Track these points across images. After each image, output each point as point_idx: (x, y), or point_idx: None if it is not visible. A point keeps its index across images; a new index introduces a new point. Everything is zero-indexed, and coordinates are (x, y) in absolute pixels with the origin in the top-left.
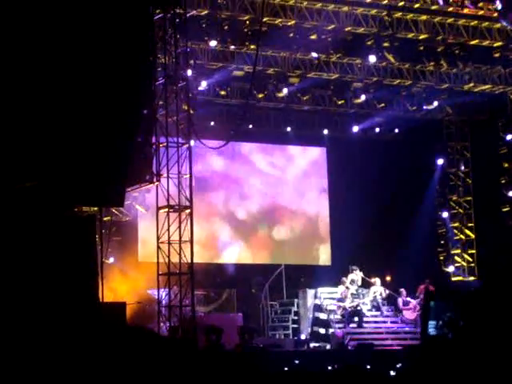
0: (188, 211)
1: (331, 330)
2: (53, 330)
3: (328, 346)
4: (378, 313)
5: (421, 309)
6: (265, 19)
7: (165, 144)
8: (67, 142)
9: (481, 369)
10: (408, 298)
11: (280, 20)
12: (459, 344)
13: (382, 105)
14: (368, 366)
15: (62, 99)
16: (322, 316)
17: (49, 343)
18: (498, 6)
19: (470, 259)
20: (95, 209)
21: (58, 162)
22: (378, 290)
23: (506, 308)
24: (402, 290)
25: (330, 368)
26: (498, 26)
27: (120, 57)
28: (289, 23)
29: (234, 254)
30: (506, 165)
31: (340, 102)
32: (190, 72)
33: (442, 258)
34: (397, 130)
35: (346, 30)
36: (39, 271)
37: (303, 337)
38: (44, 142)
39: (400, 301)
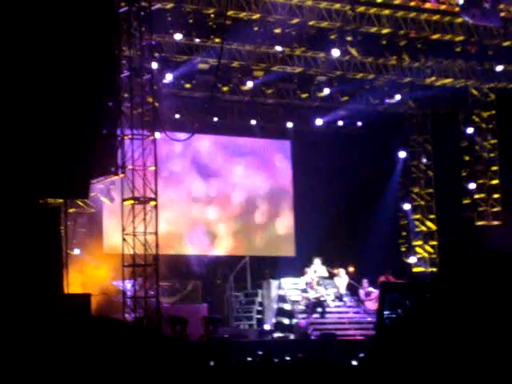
0: (153, 203)
1: (295, 321)
2: (16, 321)
3: (292, 336)
4: (341, 303)
5: None
6: (229, 13)
7: (130, 136)
8: (32, 133)
9: (436, 353)
10: (370, 289)
11: (244, 14)
12: (411, 325)
13: (346, 98)
14: (331, 356)
15: (26, 91)
16: (286, 307)
17: (11, 334)
18: (460, 0)
19: (432, 250)
20: (60, 201)
21: (22, 154)
22: (341, 280)
23: (458, 300)
24: (364, 280)
25: (291, 359)
26: (460, 20)
27: (85, 49)
28: (253, 17)
29: (199, 245)
30: (467, 158)
31: (304, 96)
32: (155, 65)
33: (403, 249)
34: (360, 123)
35: (310, 23)
36: (3, 262)
37: (267, 327)
38: (8, 135)
39: (362, 291)
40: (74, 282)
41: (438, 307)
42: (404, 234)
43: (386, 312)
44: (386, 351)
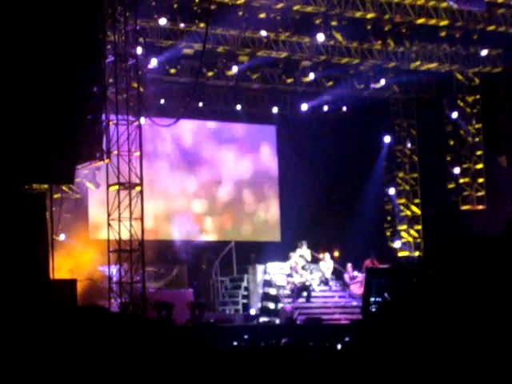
0: (138, 189)
1: (280, 305)
2: (3, 305)
3: (277, 321)
4: (327, 288)
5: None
6: None
7: (115, 122)
8: (16, 120)
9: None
10: (355, 273)
11: None
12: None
13: (331, 83)
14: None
15: (10, 77)
16: (272, 291)
17: None
18: None
19: (416, 235)
20: (45, 186)
21: (7, 140)
22: (326, 265)
23: (445, 285)
24: (349, 264)
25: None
26: (445, 4)
27: (69, 34)
28: (238, 1)
29: (185, 231)
30: (452, 142)
31: (289, 81)
32: (139, 50)
33: (388, 233)
34: (345, 108)
35: (295, 8)
36: None
37: (253, 312)
38: None
39: (347, 276)
40: (60, 268)
41: (425, 292)
42: (389, 218)
43: (371, 297)
44: (373, 336)
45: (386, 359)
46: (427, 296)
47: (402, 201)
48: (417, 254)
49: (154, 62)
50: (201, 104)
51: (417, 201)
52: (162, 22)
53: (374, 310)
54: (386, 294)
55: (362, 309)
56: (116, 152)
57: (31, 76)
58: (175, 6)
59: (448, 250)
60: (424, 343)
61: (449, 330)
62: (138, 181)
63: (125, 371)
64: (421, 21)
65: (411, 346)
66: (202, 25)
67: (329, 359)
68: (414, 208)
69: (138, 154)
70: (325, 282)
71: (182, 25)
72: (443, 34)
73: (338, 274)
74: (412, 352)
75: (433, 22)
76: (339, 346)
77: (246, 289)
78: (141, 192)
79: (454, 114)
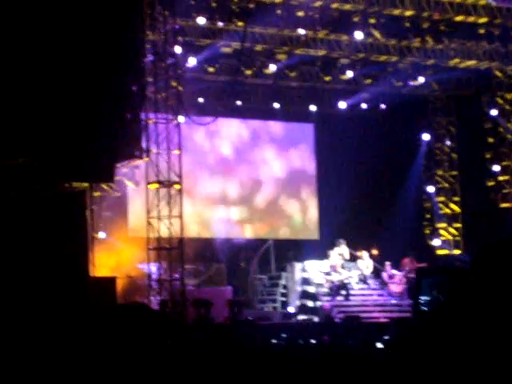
0: (177, 187)
1: (319, 303)
2: (44, 304)
3: (316, 319)
4: (365, 286)
5: (407, 282)
6: None
7: (154, 120)
8: (58, 119)
9: (472, 343)
10: (393, 271)
11: None
12: (451, 312)
13: (369, 81)
14: (354, 339)
15: (53, 77)
16: (310, 289)
17: (40, 316)
18: None
19: (456, 233)
20: (85, 184)
21: (49, 139)
22: (364, 263)
23: (496, 287)
24: (387, 263)
25: (315, 341)
26: (483, 2)
27: (109, 34)
28: (276, 0)
29: (224, 228)
30: (491, 140)
31: (327, 79)
32: (178, 49)
33: (427, 231)
34: (383, 106)
35: (333, 6)
36: (30, 246)
37: (291, 310)
38: (35, 120)
39: (385, 274)
40: (100, 266)
41: (481, 292)
42: (428, 216)
43: (422, 296)
44: (428, 336)
45: (440, 359)
46: (483, 296)
47: (442, 199)
48: (456, 252)
49: (192, 61)
50: (239, 102)
51: (456, 199)
52: (201, 21)
53: (424, 308)
54: (437, 294)
55: (412, 307)
56: (155, 150)
57: (72, 76)
58: (214, 4)
59: (501, 249)
60: (480, 344)
61: (505, 332)
62: (177, 179)
63: (167, 368)
64: (459, 18)
65: (467, 347)
66: (240, 23)
67: (368, 357)
68: (454, 206)
69: (177, 152)
70: (363, 280)
71: (220, 24)
72: (482, 31)
73: (376, 273)
74: (468, 353)
75: (471, 19)
76: (379, 345)
77: (285, 287)
78: (180, 190)
79: (494, 112)
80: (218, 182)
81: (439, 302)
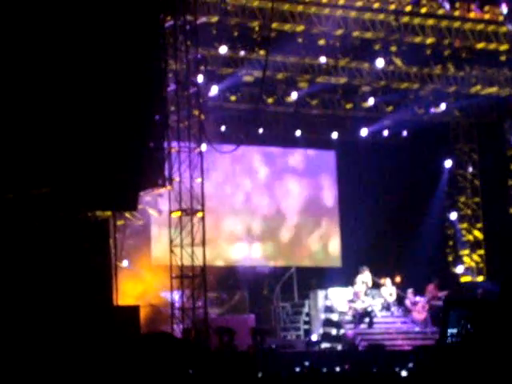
0: (200, 215)
1: (342, 331)
2: (68, 333)
3: (339, 347)
4: (389, 313)
5: (429, 309)
6: (274, 25)
7: (177, 149)
8: (81, 147)
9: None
10: (416, 298)
11: (289, 26)
12: (472, 347)
13: (390, 108)
14: (378, 367)
15: (76, 106)
16: (333, 317)
17: (64, 346)
18: (504, 10)
19: (479, 260)
20: (109, 213)
21: (72, 168)
22: (388, 290)
23: None
24: (410, 290)
25: (339, 369)
26: (504, 29)
27: (132, 64)
28: (297, 29)
29: (246, 256)
30: None
31: (348, 106)
32: (200, 78)
33: (450, 258)
34: (405, 133)
35: (354, 34)
36: (54, 275)
37: (314, 338)
38: (58, 148)
39: (408, 301)
40: (123, 294)
41: (509, 326)
42: (451, 243)
43: (449, 328)
44: (455, 368)
45: None
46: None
47: (464, 225)
48: (480, 279)
49: (214, 90)
50: (261, 130)
51: (479, 225)
52: (223, 50)
53: (451, 340)
54: (464, 326)
55: (438, 338)
56: (178, 179)
57: (96, 105)
58: (235, 34)
59: None
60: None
61: None
62: (199, 207)
63: None
64: (481, 45)
65: (494, 379)
66: (261, 52)
67: None
68: (477, 233)
69: (199, 180)
70: (387, 307)
71: (242, 52)
72: (503, 58)
73: (399, 300)
74: None
75: (493, 46)
76: (403, 373)
77: (308, 314)
78: (202, 218)
79: None
80: (240, 209)
81: (467, 334)
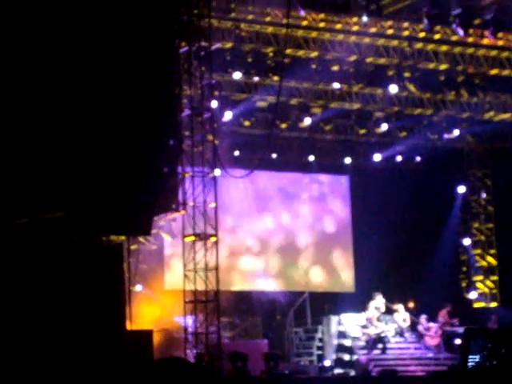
0: (214, 239)
1: (355, 357)
2: (82, 357)
3: (352, 373)
4: (402, 339)
5: (442, 334)
6: (288, 51)
7: (191, 174)
8: (96, 172)
9: None
10: (429, 324)
11: (303, 52)
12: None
13: (404, 134)
14: None
15: (91, 131)
16: (346, 342)
17: (78, 371)
18: None
19: (492, 285)
20: (122, 237)
21: (86, 192)
22: (401, 316)
23: None
24: (423, 316)
25: None
26: None
27: (147, 89)
28: (311, 55)
29: (260, 281)
30: None
31: (362, 132)
32: (215, 103)
33: (464, 284)
34: (418, 159)
35: (368, 60)
36: (67, 300)
37: (328, 363)
38: (73, 173)
39: (421, 327)
40: (137, 319)
41: None
42: (464, 269)
43: (469, 358)
44: None
45: None
46: None
47: (478, 251)
48: (493, 305)
49: (228, 115)
50: (274, 155)
51: (492, 251)
52: (237, 75)
53: (472, 370)
54: (485, 356)
55: (458, 369)
56: (192, 203)
57: (110, 130)
58: (249, 60)
59: None
60: None
61: None
62: (213, 232)
63: None
64: (494, 72)
65: None
66: (275, 78)
67: None
68: (490, 258)
69: (213, 205)
70: (400, 333)
71: (256, 78)
72: None
73: (413, 326)
74: None
75: (506, 72)
76: None
77: (321, 340)
78: (216, 243)
79: None
80: (254, 233)
81: (489, 364)
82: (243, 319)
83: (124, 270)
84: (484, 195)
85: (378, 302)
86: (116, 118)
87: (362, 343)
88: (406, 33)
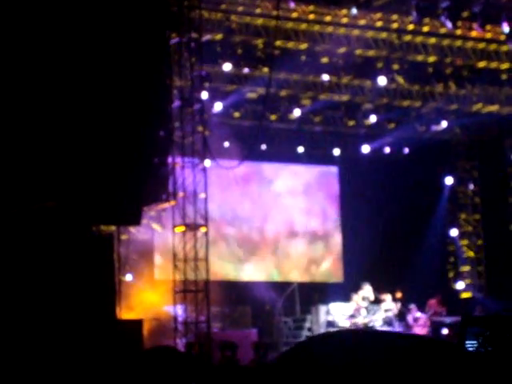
0: (204, 230)
1: None
2: (71, 346)
3: None
4: (390, 329)
5: (431, 324)
6: (277, 43)
7: (181, 164)
8: (86, 162)
9: None
10: (418, 314)
11: (292, 43)
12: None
13: (392, 125)
14: None
15: (80, 121)
16: None
17: (67, 359)
18: (506, 28)
19: (479, 276)
20: (113, 227)
21: (77, 182)
22: (389, 306)
23: None
24: (412, 305)
25: None
26: (506, 48)
27: (137, 80)
28: (301, 47)
29: (249, 271)
30: None
31: (351, 123)
32: (205, 94)
33: (451, 275)
34: (406, 150)
35: (357, 52)
36: (57, 290)
37: None
38: (62, 163)
39: (410, 317)
40: (127, 308)
41: None
42: (452, 259)
43: (466, 346)
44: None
45: None
46: None
47: (465, 242)
48: (480, 295)
49: (218, 106)
50: (264, 146)
51: (480, 242)
52: (227, 67)
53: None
54: (483, 343)
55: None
56: (182, 194)
57: (100, 120)
58: (239, 51)
59: None
60: None
61: None
62: (203, 222)
63: None
64: (482, 64)
65: None
66: (265, 69)
67: None
68: (477, 249)
69: (203, 195)
70: (388, 323)
71: (246, 70)
72: (504, 76)
73: (401, 315)
74: None
75: (494, 65)
76: None
77: (310, 329)
78: (206, 233)
79: None
80: (243, 224)
81: (486, 351)
82: (233, 309)
83: (114, 260)
84: (471, 186)
85: (366, 291)
86: (106, 109)
87: None
88: (395, 25)
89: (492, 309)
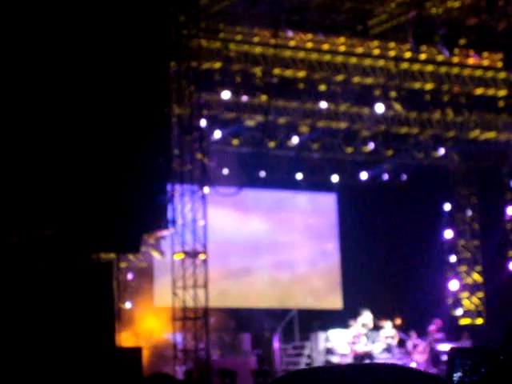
0: (203, 257)
1: None
2: (71, 374)
3: None
4: (389, 355)
5: (430, 351)
6: (276, 71)
7: (180, 192)
8: (84, 190)
9: None
10: (417, 341)
11: (290, 72)
12: None
13: (390, 152)
14: None
15: (80, 149)
16: (334, 359)
17: None
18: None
19: (478, 302)
20: (112, 255)
21: (75, 211)
22: (388, 332)
23: None
24: (412, 332)
25: None
26: (503, 75)
27: (137, 108)
28: (299, 74)
29: (248, 298)
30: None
31: (349, 150)
32: (203, 122)
33: (450, 301)
34: (405, 177)
35: (355, 80)
36: (57, 318)
37: None
38: (61, 191)
39: (410, 343)
40: (126, 336)
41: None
42: (450, 285)
43: (455, 378)
44: None
45: None
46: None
47: (464, 268)
48: (479, 321)
49: (217, 134)
50: (263, 174)
51: (478, 268)
52: (226, 95)
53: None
54: (469, 374)
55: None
56: (181, 221)
57: (100, 149)
58: (238, 79)
59: None
60: None
61: None
62: (202, 249)
63: None
64: (479, 91)
65: None
66: (264, 97)
67: None
68: (476, 275)
69: (202, 223)
70: (387, 349)
71: (244, 98)
72: (501, 103)
73: (400, 342)
74: None
75: (491, 92)
76: None
77: (309, 356)
78: (205, 260)
79: None
80: (242, 251)
81: (468, 381)
82: (232, 336)
83: (113, 288)
84: (469, 213)
85: (366, 318)
86: (106, 137)
87: (349, 360)
88: (393, 53)
89: (491, 337)
